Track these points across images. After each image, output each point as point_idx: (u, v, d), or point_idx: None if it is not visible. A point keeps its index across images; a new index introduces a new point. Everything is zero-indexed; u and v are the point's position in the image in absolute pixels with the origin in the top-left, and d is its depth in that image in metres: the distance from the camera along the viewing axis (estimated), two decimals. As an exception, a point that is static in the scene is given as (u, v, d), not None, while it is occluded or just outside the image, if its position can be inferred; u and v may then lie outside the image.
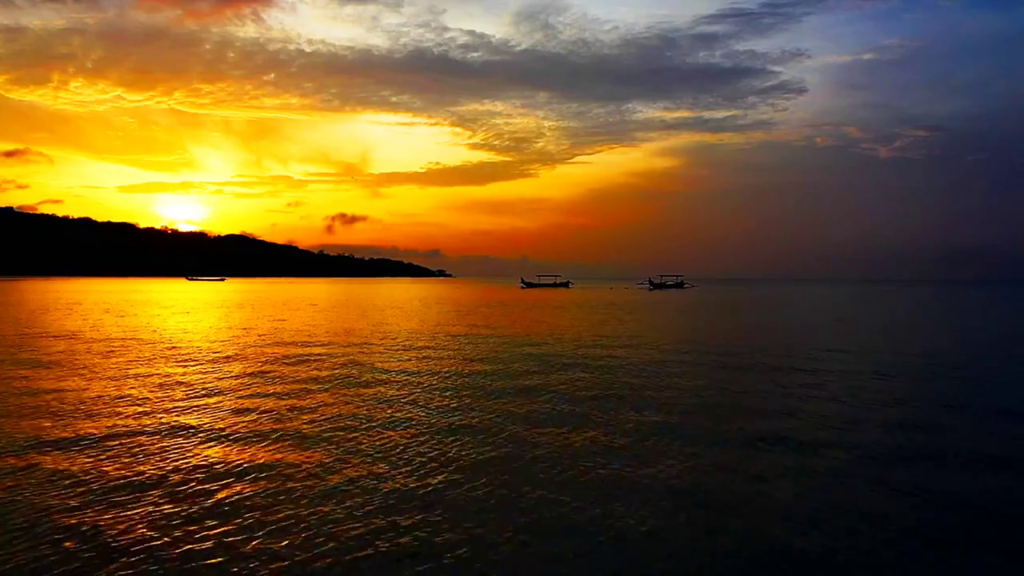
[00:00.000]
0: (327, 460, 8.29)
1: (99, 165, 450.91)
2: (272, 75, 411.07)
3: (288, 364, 16.94)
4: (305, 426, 10.13)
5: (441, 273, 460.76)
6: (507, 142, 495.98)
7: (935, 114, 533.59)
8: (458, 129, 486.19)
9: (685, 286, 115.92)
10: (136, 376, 14.76)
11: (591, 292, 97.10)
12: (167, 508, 6.52)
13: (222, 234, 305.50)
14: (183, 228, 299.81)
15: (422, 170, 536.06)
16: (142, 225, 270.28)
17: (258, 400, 12.16)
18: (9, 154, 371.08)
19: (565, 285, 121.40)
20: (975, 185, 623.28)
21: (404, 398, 12.55)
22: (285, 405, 11.72)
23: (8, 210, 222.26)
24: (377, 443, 9.15)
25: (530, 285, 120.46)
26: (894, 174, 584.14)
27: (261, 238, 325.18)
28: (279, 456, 8.50)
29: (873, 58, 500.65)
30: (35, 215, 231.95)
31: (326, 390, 13.22)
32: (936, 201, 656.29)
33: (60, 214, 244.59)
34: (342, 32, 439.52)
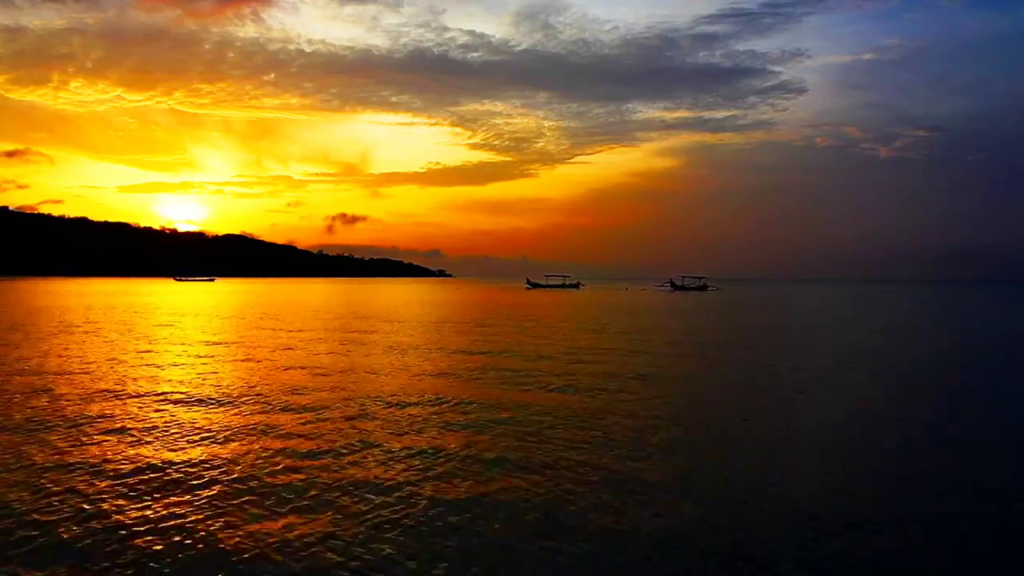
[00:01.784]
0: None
1: (99, 165, 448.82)
2: (272, 75, 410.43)
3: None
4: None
5: (441, 273, 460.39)
6: (507, 142, 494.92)
7: (935, 114, 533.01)
8: (458, 129, 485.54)
9: (708, 288, 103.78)
10: None
11: (604, 294, 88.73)
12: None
13: (220, 234, 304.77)
14: (183, 228, 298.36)
15: (422, 170, 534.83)
16: (142, 225, 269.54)
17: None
18: (10, 154, 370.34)
19: (575, 286, 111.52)
20: (975, 185, 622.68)
21: None
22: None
23: (3, 209, 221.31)
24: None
25: (536, 286, 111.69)
26: (894, 174, 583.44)
27: (261, 238, 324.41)
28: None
29: (873, 58, 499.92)
30: (29, 214, 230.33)
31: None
32: (936, 201, 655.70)
33: (60, 214, 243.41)
34: (342, 32, 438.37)
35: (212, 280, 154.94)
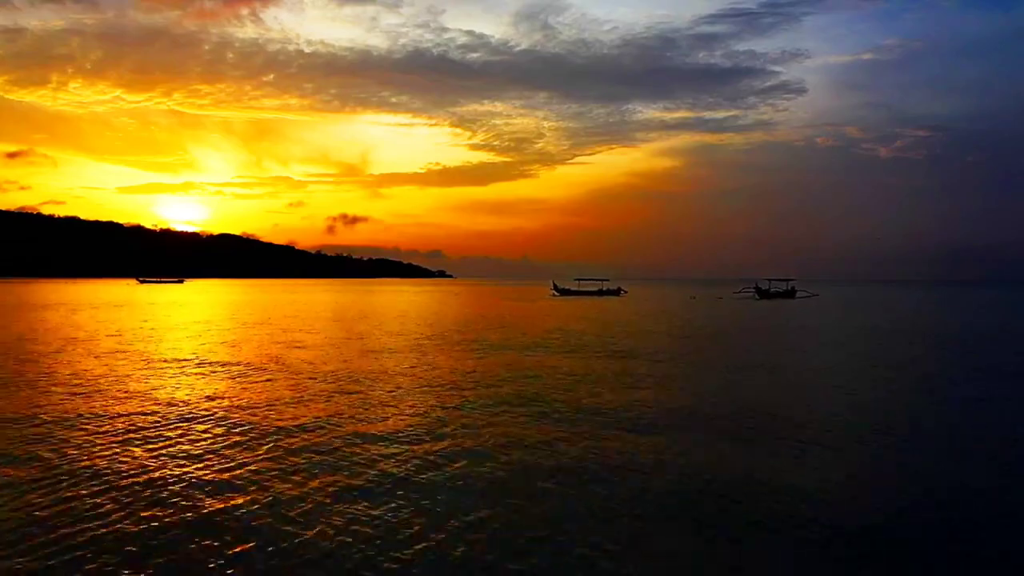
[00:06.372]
0: None
1: (99, 166, 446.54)
2: (271, 76, 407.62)
3: None
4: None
5: (441, 274, 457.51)
6: (507, 142, 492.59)
7: (935, 114, 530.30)
8: (458, 130, 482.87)
9: (798, 294, 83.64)
10: None
11: (668, 304, 64.82)
12: None
13: (215, 233, 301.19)
14: (183, 229, 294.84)
15: (422, 171, 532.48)
16: (142, 225, 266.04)
17: None
18: (12, 155, 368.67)
19: (615, 293, 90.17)
20: (975, 185, 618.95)
21: None
22: None
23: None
24: None
25: (565, 292, 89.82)
26: (894, 174, 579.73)
27: (260, 238, 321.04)
28: None
29: (873, 58, 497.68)
30: (17, 213, 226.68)
31: None
32: (936, 201, 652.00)
33: (58, 215, 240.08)
34: (341, 32, 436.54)
35: (180, 282, 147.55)
